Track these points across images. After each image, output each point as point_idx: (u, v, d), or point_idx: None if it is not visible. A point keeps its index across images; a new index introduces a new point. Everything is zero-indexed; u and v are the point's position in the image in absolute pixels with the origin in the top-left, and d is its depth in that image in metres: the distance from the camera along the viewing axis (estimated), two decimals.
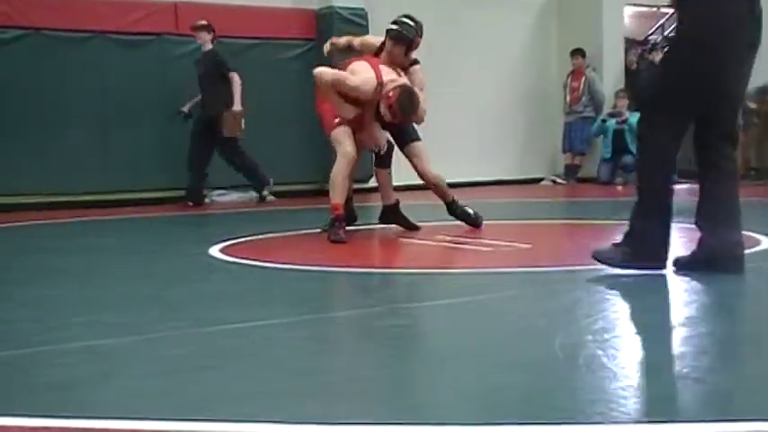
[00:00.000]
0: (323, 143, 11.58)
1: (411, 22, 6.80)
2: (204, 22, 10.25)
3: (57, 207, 9.99)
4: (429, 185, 7.13)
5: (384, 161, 7.00)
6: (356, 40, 7.21)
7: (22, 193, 10.04)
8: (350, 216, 6.99)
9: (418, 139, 7.09)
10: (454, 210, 7.15)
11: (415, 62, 6.94)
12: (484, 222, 7.16)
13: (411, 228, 7.00)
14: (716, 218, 4.63)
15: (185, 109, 10.48)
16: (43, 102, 10.15)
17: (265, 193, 10.74)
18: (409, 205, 7.38)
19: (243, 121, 10.22)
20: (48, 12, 10.19)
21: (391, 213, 7.11)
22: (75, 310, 4.22)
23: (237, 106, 10.18)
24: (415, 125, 7.01)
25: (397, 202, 7.09)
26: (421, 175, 7.07)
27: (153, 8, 10.72)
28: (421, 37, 6.85)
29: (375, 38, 7.13)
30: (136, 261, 6.09)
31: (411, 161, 7.05)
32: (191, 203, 10.38)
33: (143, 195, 10.45)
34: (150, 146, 10.52)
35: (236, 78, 10.19)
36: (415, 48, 6.84)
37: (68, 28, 10.28)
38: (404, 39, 6.71)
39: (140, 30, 10.62)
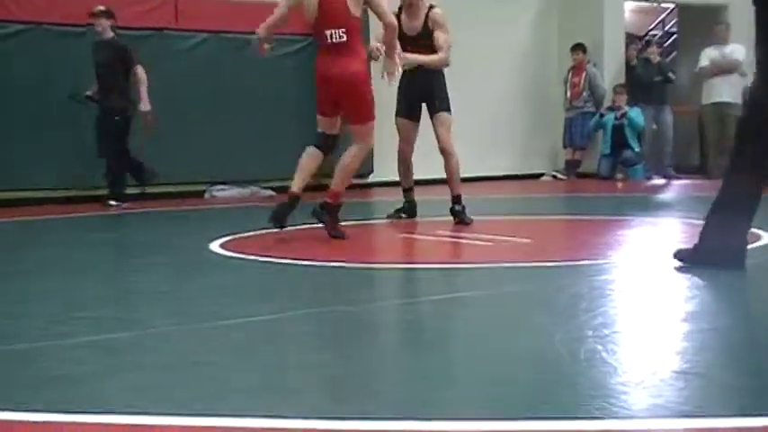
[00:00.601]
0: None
1: None
2: (103, 8, 9.66)
3: (58, 201, 9.99)
4: (443, 157, 7.35)
5: (332, 145, 6.58)
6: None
7: (24, 188, 10.04)
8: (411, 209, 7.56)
9: (447, 110, 7.34)
10: (455, 209, 7.25)
11: (432, 7, 7.20)
12: (486, 217, 7.18)
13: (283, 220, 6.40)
14: (728, 214, 4.59)
15: (89, 93, 9.82)
16: (44, 96, 10.13)
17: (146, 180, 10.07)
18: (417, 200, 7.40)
19: (153, 120, 9.69)
20: (46, 6, 10.17)
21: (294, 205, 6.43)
22: (80, 304, 4.23)
23: (146, 105, 9.66)
24: (442, 95, 7.32)
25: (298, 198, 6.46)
26: (439, 143, 7.29)
27: (154, 2, 10.71)
28: None
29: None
30: (138, 256, 6.11)
31: (435, 129, 7.33)
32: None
33: (145, 190, 10.44)
34: (150, 139, 10.49)
35: (141, 73, 9.65)
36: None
37: (67, 22, 10.25)
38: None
39: (141, 24, 10.59)
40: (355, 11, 6.14)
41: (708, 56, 12.65)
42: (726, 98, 12.47)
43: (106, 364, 3.08)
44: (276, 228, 6.34)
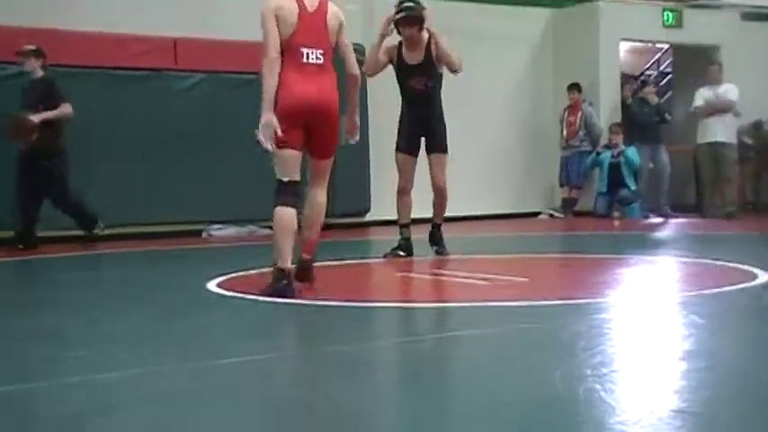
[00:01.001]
0: None
1: (411, 4, 7.20)
2: (32, 47, 9.38)
3: (58, 240, 9.98)
4: (434, 193, 7.52)
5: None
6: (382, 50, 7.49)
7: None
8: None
9: (445, 150, 7.52)
10: (435, 234, 7.62)
11: (428, 32, 7.29)
12: (483, 256, 7.19)
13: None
14: None
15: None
16: None
17: (96, 231, 9.74)
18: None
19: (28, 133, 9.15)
20: (47, 47, 10.22)
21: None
22: (77, 343, 4.22)
23: (36, 118, 9.11)
24: (442, 136, 7.48)
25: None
26: (432, 180, 7.45)
27: (153, 44, 10.77)
28: (424, 9, 7.24)
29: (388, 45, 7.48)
30: (135, 295, 6.08)
31: (431, 167, 7.48)
32: (21, 246, 9.24)
33: (142, 229, 10.44)
34: (147, 178, 10.51)
35: (66, 110, 9.33)
36: (425, 20, 7.21)
37: (69, 63, 10.32)
38: (414, 18, 7.17)
39: (140, 65, 10.65)
40: (332, 38, 5.58)
41: (702, 96, 12.72)
42: (720, 138, 12.55)
43: (104, 402, 3.06)
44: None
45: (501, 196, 13.47)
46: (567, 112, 13.47)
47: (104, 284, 6.86)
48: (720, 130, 12.56)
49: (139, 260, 8.66)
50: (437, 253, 7.59)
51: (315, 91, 5.41)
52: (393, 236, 7.59)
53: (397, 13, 7.17)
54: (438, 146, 7.44)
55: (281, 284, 5.32)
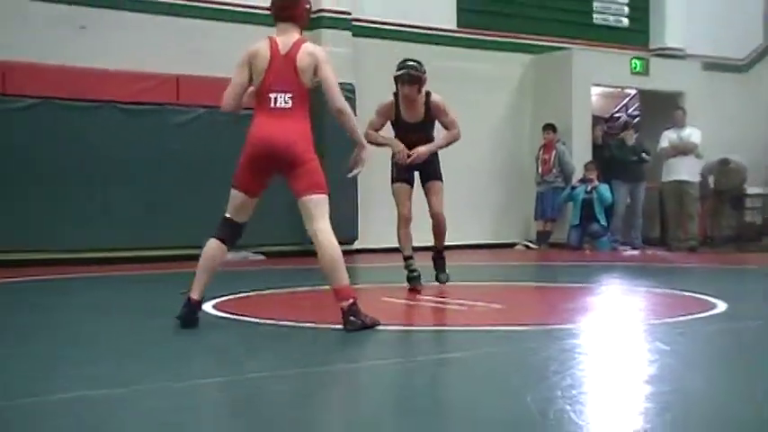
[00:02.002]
0: None
1: (414, 64, 7.04)
2: None
3: (62, 263, 9.93)
4: (433, 220, 7.23)
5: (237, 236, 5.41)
6: (376, 122, 7.21)
7: (30, 249, 10.00)
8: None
9: (440, 179, 7.26)
10: (437, 259, 7.31)
11: (429, 94, 7.12)
12: (461, 283, 7.15)
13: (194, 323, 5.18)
14: None
15: None
16: (54, 164, 10.17)
17: None
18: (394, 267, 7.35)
19: None
20: (59, 82, 10.27)
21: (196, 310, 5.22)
22: (65, 363, 4.15)
23: None
24: (437, 167, 7.24)
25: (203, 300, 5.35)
26: (430, 208, 7.19)
27: (157, 80, 10.79)
28: (425, 73, 7.08)
29: (383, 104, 7.20)
30: (134, 317, 6.02)
31: (428, 196, 7.21)
32: None
33: (144, 253, 10.41)
34: (151, 205, 10.49)
35: None
36: (425, 83, 7.05)
37: (79, 97, 10.36)
38: (414, 79, 6.96)
39: (144, 100, 10.66)
40: (305, 80, 5.17)
41: (667, 138, 12.91)
42: (683, 176, 12.77)
43: (90, 421, 3.01)
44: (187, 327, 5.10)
45: (480, 227, 13.47)
46: (542, 151, 13.51)
47: (104, 306, 6.79)
48: (684, 170, 12.75)
49: (139, 283, 8.61)
50: (437, 279, 7.25)
51: (274, 135, 5.07)
52: (381, 263, 7.45)
53: (399, 69, 7.03)
54: (433, 174, 7.22)
55: (182, 311, 5.03)
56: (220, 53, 10.74)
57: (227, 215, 5.22)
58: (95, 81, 10.45)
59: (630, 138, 13.46)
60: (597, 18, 15.14)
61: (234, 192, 5.21)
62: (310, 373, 3.87)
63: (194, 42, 11.14)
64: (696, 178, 13.00)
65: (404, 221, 7.19)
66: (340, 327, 4.98)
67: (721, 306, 5.87)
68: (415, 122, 7.08)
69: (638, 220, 13.32)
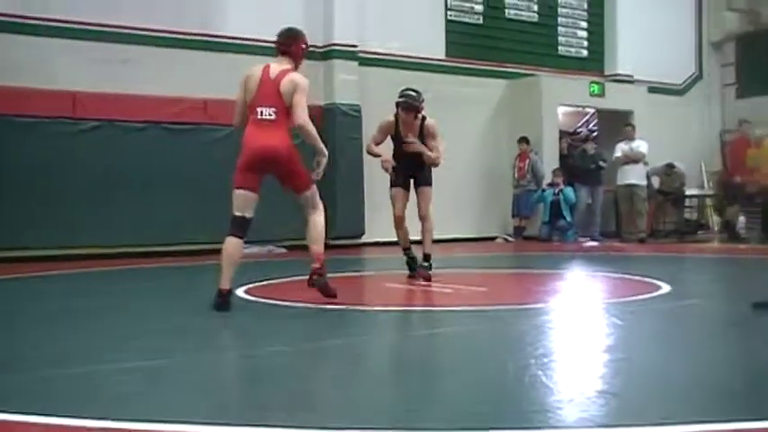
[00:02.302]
0: (324, 207, 11.70)
1: (414, 93, 6.85)
2: None
3: (112, 257, 9.95)
4: (420, 219, 6.94)
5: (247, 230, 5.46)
6: (377, 137, 7.04)
7: (85, 245, 10.02)
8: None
9: (430, 185, 7.01)
10: (425, 261, 6.88)
11: (424, 118, 6.92)
12: (450, 270, 7.12)
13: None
14: None
15: None
16: (109, 174, 10.20)
17: None
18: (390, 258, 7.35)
19: None
20: (114, 107, 10.30)
21: (229, 297, 5.27)
22: (125, 337, 4.19)
23: None
24: (428, 174, 6.98)
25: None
26: (419, 211, 6.93)
27: (189, 103, 10.78)
28: (423, 102, 6.87)
29: (384, 122, 7.03)
30: (174, 300, 6.05)
31: (418, 199, 6.97)
32: None
33: (183, 248, 10.42)
34: (187, 209, 10.50)
35: None
36: (421, 110, 6.85)
37: (129, 119, 10.40)
38: (412, 107, 6.77)
39: (178, 120, 10.67)
40: (287, 99, 5.23)
41: (620, 149, 13.00)
42: (633, 180, 12.89)
43: (147, 384, 3.04)
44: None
45: (465, 223, 13.47)
46: (517, 159, 13.51)
47: (152, 291, 6.81)
48: (633, 175, 12.88)
49: (179, 272, 8.62)
50: (419, 268, 6.86)
51: (264, 141, 5.20)
52: (384, 254, 7.40)
53: (401, 97, 6.84)
54: (424, 181, 7.02)
55: (217, 300, 5.10)
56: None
57: (236, 213, 5.30)
58: (140, 105, 10.44)
59: (591, 148, 13.47)
60: (561, 50, 15.16)
61: (236, 192, 5.30)
62: (325, 345, 3.89)
63: (219, 70, 11.14)
64: (644, 182, 13.07)
65: (398, 221, 7.05)
66: (345, 308, 5.02)
67: (665, 288, 5.89)
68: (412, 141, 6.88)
69: (597, 218, 13.33)
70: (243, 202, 5.30)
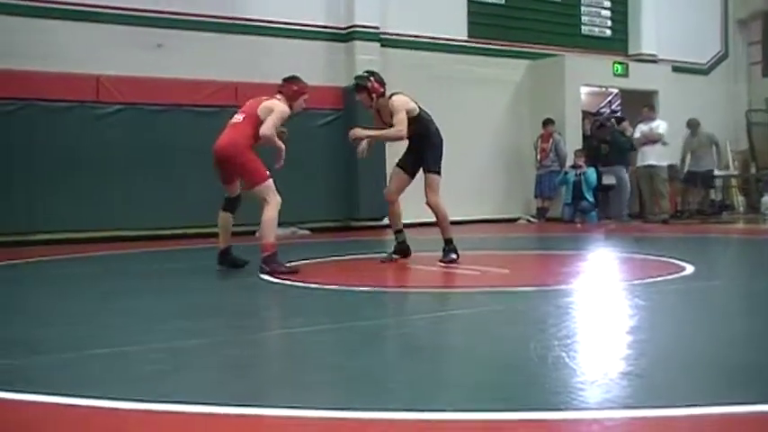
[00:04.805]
0: (344, 190, 11.76)
1: (363, 74, 6.74)
2: None
3: (142, 239, 10.03)
4: (429, 208, 6.76)
5: (234, 206, 6.55)
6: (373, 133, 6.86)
7: (114, 228, 10.13)
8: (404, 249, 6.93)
9: (433, 171, 6.68)
10: (447, 248, 6.73)
11: (392, 96, 6.64)
12: (474, 252, 7.11)
13: (239, 265, 6.49)
14: None
15: None
16: (135, 158, 10.30)
17: None
18: (413, 238, 7.34)
19: None
20: (140, 90, 10.37)
21: (227, 255, 6.53)
22: (154, 318, 4.23)
23: None
24: (429, 160, 6.66)
25: (230, 247, 6.56)
26: (426, 200, 6.72)
27: (219, 87, 10.82)
28: (378, 81, 6.63)
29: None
30: (201, 281, 6.08)
31: (425, 187, 6.72)
32: None
33: (211, 230, 10.47)
34: (215, 190, 10.54)
35: None
36: (374, 91, 6.60)
37: (159, 102, 10.49)
38: (359, 87, 6.64)
39: (209, 103, 10.71)
40: (261, 114, 6.19)
41: (640, 129, 12.81)
42: (652, 161, 12.69)
43: (177, 364, 3.06)
44: (224, 267, 6.44)
45: (489, 205, 13.47)
46: (540, 140, 13.45)
47: (178, 272, 6.86)
48: (653, 156, 12.67)
49: (204, 254, 8.65)
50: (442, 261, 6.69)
51: (219, 143, 6.19)
52: (407, 236, 7.29)
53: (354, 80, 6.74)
54: (426, 167, 6.71)
55: (219, 258, 6.45)
56: (270, 62, 10.81)
57: (226, 194, 6.46)
58: (168, 88, 10.53)
59: (628, 129, 13.32)
60: (585, 29, 15.03)
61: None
62: (347, 326, 3.91)
63: (249, 54, 11.17)
64: (663, 162, 12.86)
65: (388, 201, 6.89)
66: (370, 289, 5.03)
67: (689, 268, 5.84)
68: (391, 123, 6.63)
69: (626, 198, 13.17)
70: (226, 189, 6.45)
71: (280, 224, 9.99)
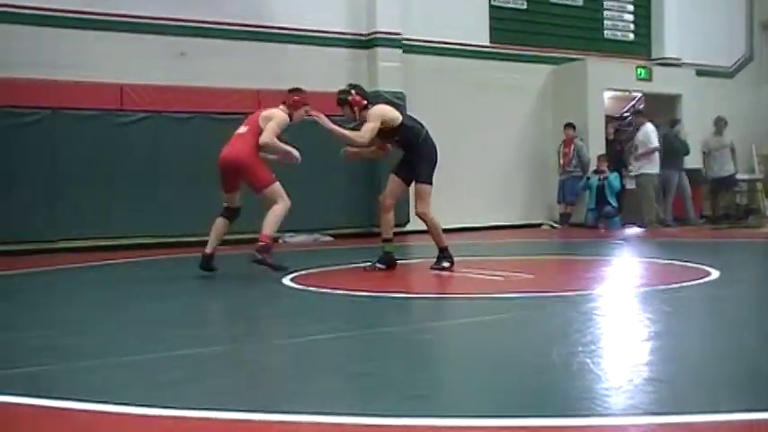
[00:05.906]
0: (366, 198, 11.74)
1: (345, 88, 6.68)
2: None
3: (167, 246, 10.10)
4: (418, 218, 6.68)
5: (233, 216, 6.77)
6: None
7: (139, 235, 10.21)
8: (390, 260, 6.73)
9: (424, 182, 6.55)
10: (440, 256, 6.64)
11: (370, 107, 6.60)
12: (496, 257, 7.08)
13: (212, 269, 6.65)
14: None
15: None
16: (160, 165, 10.38)
17: None
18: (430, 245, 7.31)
19: None
20: (163, 98, 10.46)
21: (209, 260, 6.67)
22: (174, 325, 4.25)
23: None
24: (421, 170, 6.53)
25: (214, 254, 6.70)
26: (415, 210, 6.65)
27: (242, 94, 10.88)
28: (359, 94, 6.59)
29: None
30: (224, 288, 6.12)
31: (414, 197, 6.67)
32: None
33: (233, 237, 10.52)
34: (246, 194, 10.60)
35: None
36: (356, 104, 6.56)
37: (183, 110, 10.59)
38: (340, 101, 6.60)
39: (232, 110, 10.76)
40: (262, 124, 6.50)
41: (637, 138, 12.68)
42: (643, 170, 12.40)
43: (197, 371, 3.08)
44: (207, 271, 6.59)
45: (512, 210, 13.43)
46: (562, 145, 13.39)
47: (203, 279, 6.90)
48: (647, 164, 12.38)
49: (228, 261, 8.70)
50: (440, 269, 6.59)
51: (226, 152, 6.47)
52: (429, 242, 7.23)
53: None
54: (417, 177, 6.58)
55: (202, 262, 6.58)
56: (291, 70, 10.86)
57: (225, 204, 6.70)
58: (191, 96, 10.61)
59: (684, 134, 13.16)
60: (607, 33, 14.97)
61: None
62: (372, 332, 3.91)
63: (270, 62, 11.23)
64: (653, 170, 12.54)
65: (382, 207, 6.76)
66: (393, 295, 5.03)
67: (714, 274, 5.80)
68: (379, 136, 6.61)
69: (669, 205, 13.00)
70: (227, 199, 6.70)
71: (301, 230, 9.94)
